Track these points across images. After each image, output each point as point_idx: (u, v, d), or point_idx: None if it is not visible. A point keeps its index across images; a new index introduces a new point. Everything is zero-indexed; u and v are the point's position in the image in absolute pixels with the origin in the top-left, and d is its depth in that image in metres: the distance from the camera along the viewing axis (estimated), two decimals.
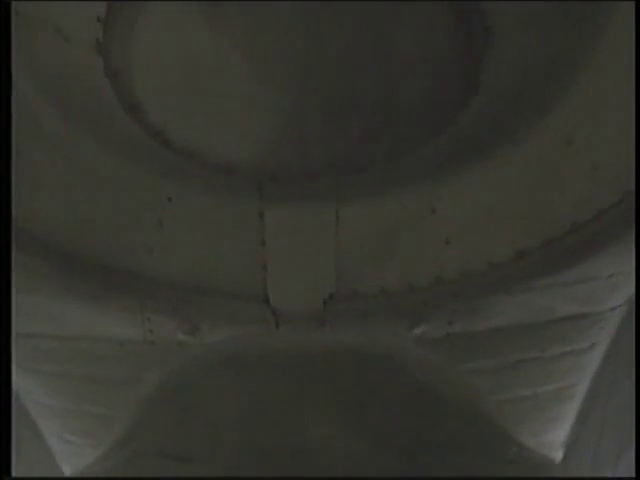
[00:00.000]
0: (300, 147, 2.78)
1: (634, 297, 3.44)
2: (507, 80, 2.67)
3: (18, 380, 3.68)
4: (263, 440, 3.03)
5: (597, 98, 2.74)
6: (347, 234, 3.12)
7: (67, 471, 4.18)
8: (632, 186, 2.90)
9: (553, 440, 4.16)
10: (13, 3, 2.64)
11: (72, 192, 3.00)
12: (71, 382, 3.66)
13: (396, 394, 3.33)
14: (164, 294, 3.23)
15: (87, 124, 2.83)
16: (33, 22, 2.60)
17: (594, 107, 2.77)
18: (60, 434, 4.10)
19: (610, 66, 2.69)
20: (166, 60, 2.56)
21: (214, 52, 2.52)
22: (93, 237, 3.11)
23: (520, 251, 3.05)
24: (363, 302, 3.26)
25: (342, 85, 2.58)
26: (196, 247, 3.17)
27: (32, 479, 4.32)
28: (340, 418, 3.07)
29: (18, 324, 3.34)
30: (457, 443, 3.16)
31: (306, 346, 3.34)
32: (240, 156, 2.81)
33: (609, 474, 4.08)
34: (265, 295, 3.22)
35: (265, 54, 2.52)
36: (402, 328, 3.38)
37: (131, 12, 2.51)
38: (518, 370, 3.64)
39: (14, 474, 3.50)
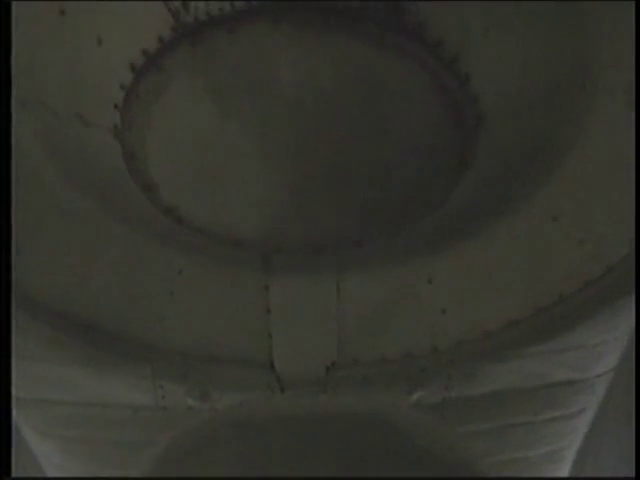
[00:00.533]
0: (302, 223, 2.86)
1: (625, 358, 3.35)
2: (498, 161, 2.78)
3: (35, 444, 3.71)
4: None
5: (581, 178, 2.85)
6: (348, 304, 3.19)
7: None
8: (615, 260, 2.98)
9: None
10: (37, 95, 2.73)
11: (88, 265, 3.08)
12: (86, 446, 3.71)
13: (394, 456, 3.49)
14: (175, 362, 3.29)
15: (104, 202, 2.94)
16: (57, 109, 2.72)
17: (579, 186, 2.88)
18: None
19: (593, 152, 2.82)
20: (179, 144, 2.70)
21: (223, 136, 2.64)
22: (108, 308, 3.19)
23: (512, 320, 3.13)
24: (363, 369, 3.30)
25: (342, 166, 2.70)
26: (205, 316, 3.23)
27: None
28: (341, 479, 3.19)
29: (34, 390, 3.47)
30: None
31: (309, 411, 3.43)
32: (246, 231, 2.90)
33: None
34: (271, 362, 3.27)
35: (270, 139, 2.64)
36: (401, 393, 3.42)
37: (147, 100, 2.61)
38: (511, 433, 3.69)
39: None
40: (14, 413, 3.54)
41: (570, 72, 2.66)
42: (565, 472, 3.93)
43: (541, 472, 3.95)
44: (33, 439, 3.75)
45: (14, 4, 2.66)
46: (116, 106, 2.60)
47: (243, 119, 2.58)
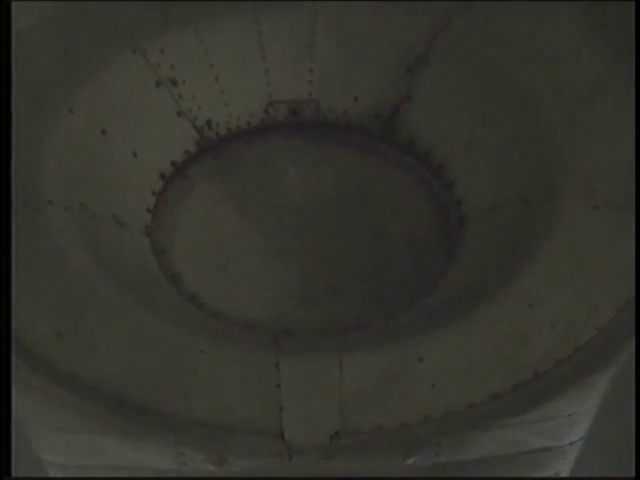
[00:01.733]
0: (308, 310, 3.11)
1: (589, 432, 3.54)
2: (479, 256, 3.06)
3: None
4: None
5: (552, 270, 3.03)
6: (349, 380, 3.26)
7: None
8: (583, 342, 3.10)
9: None
10: (79, 200, 2.92)
11: (120, 346, 3.17)
12: None
13: None
14: (195, 431, 3.34)
15: (135, 290, 3.11)
16: (96, 212, 2.98)
17: (550, 278, 3.05)
18: None
19: (562, 247, 3.01)
20: (201, 240, 3.01)
21: (240, 235, 2.93)
22: (137, 384, 3.24)
23: (494, 394, 3.19)
24: (363, 437, 3.34)
25: (342, 261, 2.99)
26: (223, 391, 3.30)
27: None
28: None
29: (70, 457, 3.63)
30: None
31: (315, 475, 3.53)
32: (259, 316, 3.12)
33: None
34: (281, 432, 3.34)
35: (281, 237, 2.92)
36: (396, 458, 3.49)
37: (174, 204, 2.91)
38: None
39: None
40: (52, 475, 3.73)
41: (540, 178, 2.94)
42: None
43: None
44: None
45: None
46: (148, 209, 2.93)
47: (257, 220, 2.89)
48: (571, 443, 3.67)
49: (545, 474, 3.76)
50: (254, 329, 3.19)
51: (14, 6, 2.75)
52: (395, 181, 2.93)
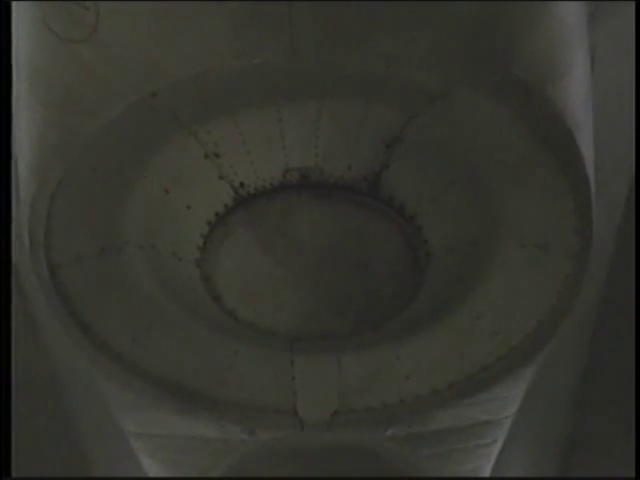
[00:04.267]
0: (315, 322, 3.22)
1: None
2: (440, 282, 3.18)
3: (144, 460, 4.41)
4: None
5: (494, 293, 3.25)
6: (345, 373, 3.59)
7: None
8: (516, 343, 3.30)
9: None
10: (148, 241, 3.05)
11: (177, 348, 3.48)
12: (171, 466, 4.38)
13: (374, 471, 4.28)
14: (233, 410, 3.67)
15: (188, 307, 3.35)
16: (161, 250, 3.12)
17: (493, 298, 3.27)
18: None
19: (500, 276, 3.19)
20: (237, 270, 3.09)
21: (265, 266, 3.03)
22: (190, 375, 3.56)
23: (451, 383, 3.56)
24: (355, 415, 3.69)
25: (340, 287, 3.10)
26: (252, 381, 3.62)
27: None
28: None
29: (141, 427, 4.04)
30: None
31: (319, 442, 4.03)
32: (279, 327, 3.26)
33: None
34: (295, 411, 3.66)
35: (296, 269, 3.01)
36: (380, 430, 3.94)
37: (217, 243, 3.03)
38: (450, 455, 4.31)
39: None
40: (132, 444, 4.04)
41: (484, 227, 3.09)
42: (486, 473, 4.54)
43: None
44: (143, 458, 4.41)
45: None
46: (198, 247, 3.06)
47: (278, 256, 3.03)
48: (506, 417, 4.14)
49: (486, 440, 4.15)
50: (276, 336, 3.33)
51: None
52: (378, 227, 2.98)
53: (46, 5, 2.51)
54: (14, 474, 3.41)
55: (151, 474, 4.49)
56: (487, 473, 4.62)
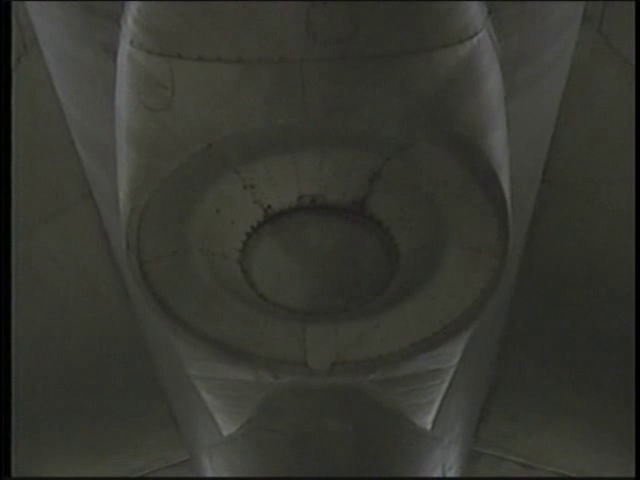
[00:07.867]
0: (321, 301, 3.81)
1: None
2: (407, 275, 3.73)
3: (207, 400, 5.24)
4: None
5: (443, 283, 3.84)
6: (341, 337, 4.24)
7: None
8: (450, 321, 3.95)
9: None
10: (198, 245, 3.57)
11: (225, 318, 4.09)
12: (222, 399, 5.25)
13: (361, 404, 5.26)
14: (264, 362, 4.35)
15: (232, 291, 3.93)
16: (214, 252, 3.64)
17: (440, 287, 3.89)
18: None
19: (446, 276, 3.82)
20: (266, 265, 3.57)
21: (285, 262, 3.54)
22: (230, 336, 4.20)
23: (413, 342, 4.21)
24: (348, 366, 4.32)
25: (339, 277, 3.59)
26: (277, 341, 4.24)
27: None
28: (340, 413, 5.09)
29: (205, 373, 4.91)
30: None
31: (323, 383, 4.74)
32: (296, 304, 3.86)
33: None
34: (306, 362, 4.29)
35: (308, 265, 3.50)
36: (364, 375, 4.65)
37: (252, 247, 3.46)
38: (412, 392, 5.18)
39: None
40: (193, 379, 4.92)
41: (437, 235, 3.63)
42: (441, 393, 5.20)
43: (423, 394, 5.24)
44: (204, 394, 5.24)
45: None
46: (239, 250, 3.57)
47: (295, 256, 3.52)
48: (450, 366, 5.01)
49: (437, 382, 5.03)
50: (293, 311, 3.92)
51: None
52: (363, 236, 3.49)
53: (140, 86, 3.18)
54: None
55: (209, 406, 5.35)
56: (437, 405, 5.43)
